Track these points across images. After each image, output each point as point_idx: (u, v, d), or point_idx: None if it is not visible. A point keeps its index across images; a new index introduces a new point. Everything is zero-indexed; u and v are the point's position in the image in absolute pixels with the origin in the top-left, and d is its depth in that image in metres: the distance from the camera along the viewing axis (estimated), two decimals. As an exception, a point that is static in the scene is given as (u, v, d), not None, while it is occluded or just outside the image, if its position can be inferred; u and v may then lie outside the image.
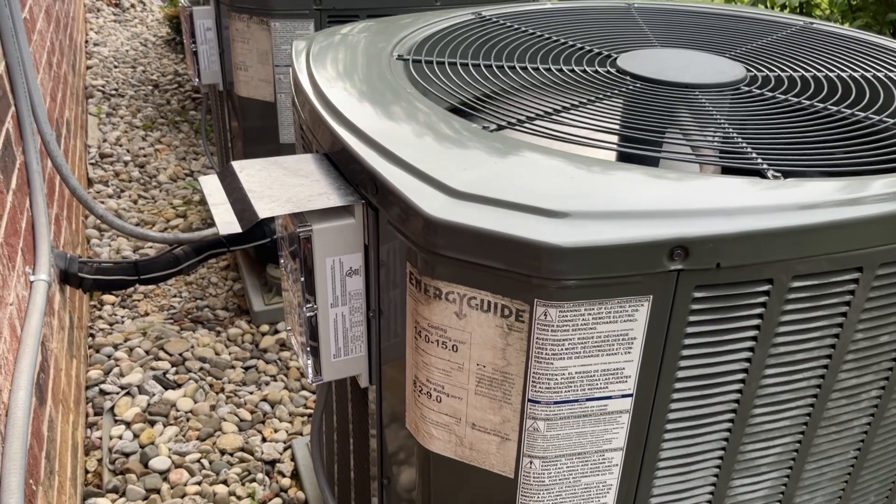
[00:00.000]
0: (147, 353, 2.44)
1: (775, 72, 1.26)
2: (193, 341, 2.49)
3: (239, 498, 1.95)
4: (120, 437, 2.10)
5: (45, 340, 1.65)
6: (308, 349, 1.01)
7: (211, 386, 2.31)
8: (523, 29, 1.45)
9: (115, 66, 4.88)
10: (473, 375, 0.83)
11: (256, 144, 2.40)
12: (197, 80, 2.51)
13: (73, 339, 2.11)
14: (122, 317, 2.62)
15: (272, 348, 2.50)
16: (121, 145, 3.85)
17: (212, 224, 3.08)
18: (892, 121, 1.06)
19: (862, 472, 1.02)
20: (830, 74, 1.25)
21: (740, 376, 0.85)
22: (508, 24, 1.48)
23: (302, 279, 0.96)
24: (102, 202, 3.32)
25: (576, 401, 0.82)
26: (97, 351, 2.43)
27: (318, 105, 1.06)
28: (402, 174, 0.85)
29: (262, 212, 0.89)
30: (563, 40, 1.39)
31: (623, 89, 1.15)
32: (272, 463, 2.06)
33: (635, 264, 0.74)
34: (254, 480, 2.00)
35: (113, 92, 4.47)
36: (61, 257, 1.95)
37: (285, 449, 2.10)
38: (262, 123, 2.35)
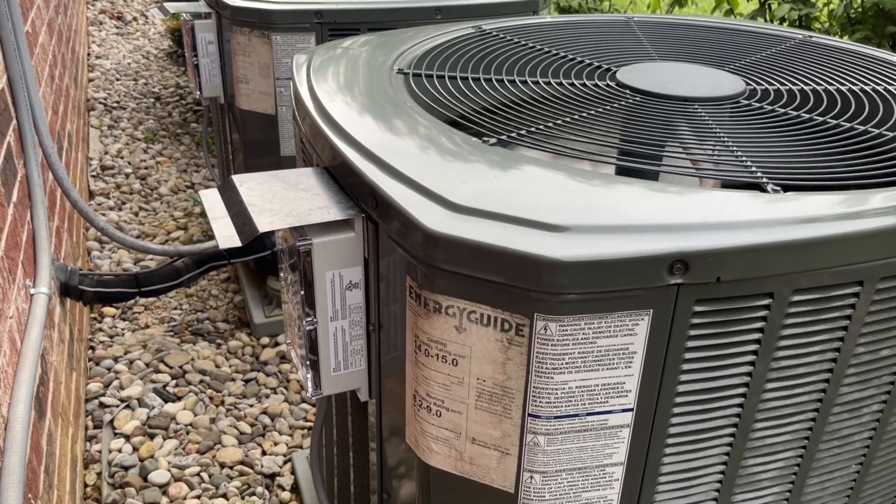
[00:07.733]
0: (147, 365, 2.43)
1: (775, 85, 1.26)
2: (193, 354, 2.49)
3: (238, 512, 1.94)
4: (119, 451, 2.09)
5: (45, 353, 1.65)
6: (308, 363, 1.01)
7: (211, 399, 2.31)
8: (523, 43, 1.46)
9: (117, 79, 4.89)
10: (473, 390, 0.83)
11: (257, 157, 2.41)
12: (198, 92, 2.52)
13: (73, 351, 2.10)
14: (123, 329, 2.62)
15: (272, 361, 2.49)
16: (122, 157, 3.85)
17: (212, 236, 3.08)
18: (891, 134, 1.06)
19: (864, 487, 1.02)
20: (830, 88, 1.25)
21: (741, 390, 0.85)
22: (508, 37, 1.49)
23: (302, 292, 0.96)
24: (103, 214, 3.33)
25: (576, 415, 0.81)
26: (97, 363, 2.43)
27: (319, 119, 1.06)
28: (402, 188, 0.85)
29: (262, 226, 0.89)
30: (563, 54, 1.39)
31: (623, 103, 1.15)
32: (272, 476, 2.05)
33: (635, 278, 0.74)
34: (253, 494, 1.99)
35: (115, 104, 4.49)
36: (62, 270, 1.95)
37: (285, 462, 2.09)
38: (263, 136, 2.35)
